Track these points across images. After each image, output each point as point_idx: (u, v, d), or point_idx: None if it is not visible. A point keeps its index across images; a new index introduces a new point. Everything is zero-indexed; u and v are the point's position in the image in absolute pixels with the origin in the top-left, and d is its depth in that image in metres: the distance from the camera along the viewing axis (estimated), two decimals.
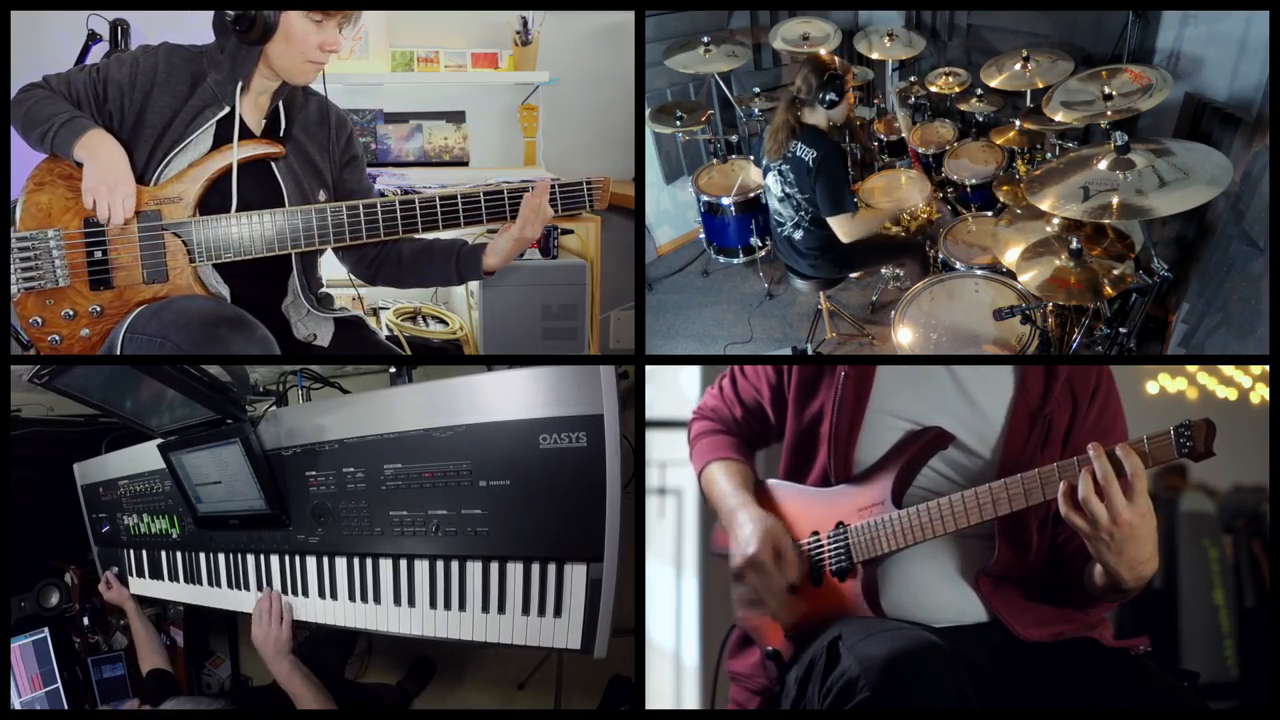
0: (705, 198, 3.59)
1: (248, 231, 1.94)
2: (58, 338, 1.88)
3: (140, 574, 2.42)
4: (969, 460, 1.52)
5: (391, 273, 2.16)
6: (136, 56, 1.96)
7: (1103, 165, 2.13)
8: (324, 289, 2.19)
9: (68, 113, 1.88)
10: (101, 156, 1.86)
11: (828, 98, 2.84)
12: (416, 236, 2.11)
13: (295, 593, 1.92)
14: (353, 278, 2.24)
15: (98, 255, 1.89)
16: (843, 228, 2.93)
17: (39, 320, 1.87)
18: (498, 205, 2.03)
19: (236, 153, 1.94)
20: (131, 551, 2.45)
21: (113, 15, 2.85)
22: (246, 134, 1.98)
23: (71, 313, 1.89)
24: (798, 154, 2.91)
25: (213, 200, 1.94)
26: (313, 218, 1.97)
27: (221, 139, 1.95)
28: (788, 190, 3.01)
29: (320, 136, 2.07)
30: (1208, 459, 1.29)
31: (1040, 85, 2.97)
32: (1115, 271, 2.27)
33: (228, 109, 1.94)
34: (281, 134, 2.02)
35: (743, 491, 1.63)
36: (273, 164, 1.99)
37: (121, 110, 1.92)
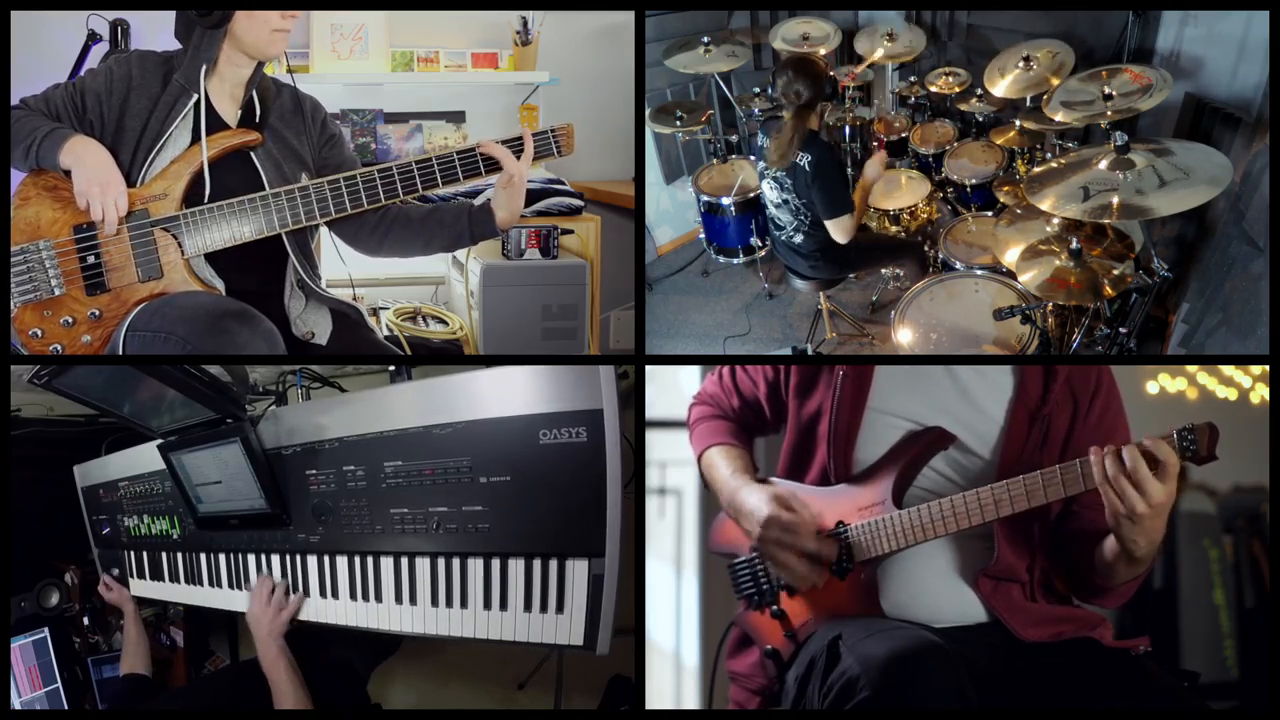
0: (705, 198, 3.59)
1: (235, 218, 1.96)
2: (59, 347, 1.88)
3: (141, 575, 2.41)
4: (969, 460, 1.52)
5: (400, 237, 2.16)
6: (110, 66, 1.99)
7: (1103, 165, 2.13)
8: (324, 285, 2.19)
9: (48, 125, 1.90)
10: (88, 160, 1.88)
11: (828, 90, 2.85)
12: (416, 202, 2.16)
13: (295, 592, 1.92)
14: (342, 254, 2.24)
15: (90, 259, 1.90)
16: (840, 229, 2.92)
17: (38, 332, 1.88)
18: (471, 163, 2.05)
19: (205, 140, 1.96)
20: (131, 553, 2.44)
21: (112, 15, 2.86)
22: (223, 126, 2.00)
23: (70, 320, 1.89)
24: (795, 160, 2.91)
25: (198, 194, 1.96)
26: (296, 196, 1.99)
27: (199, 131, 1.97)
28: (784, 196, 3.01)
29: (296, 123, 2.10)
30: (1210, 463, 1.30)
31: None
32: (1115, 271, 2.27)
33: (197, 96, 1.97)
34: (257, 123, 2.03)
35: (742, 474, 1.64)
36: (252, 153, 2.01)
37: (101, 118, 1.94)
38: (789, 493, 1.57)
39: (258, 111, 2.05)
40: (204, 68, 1.98)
